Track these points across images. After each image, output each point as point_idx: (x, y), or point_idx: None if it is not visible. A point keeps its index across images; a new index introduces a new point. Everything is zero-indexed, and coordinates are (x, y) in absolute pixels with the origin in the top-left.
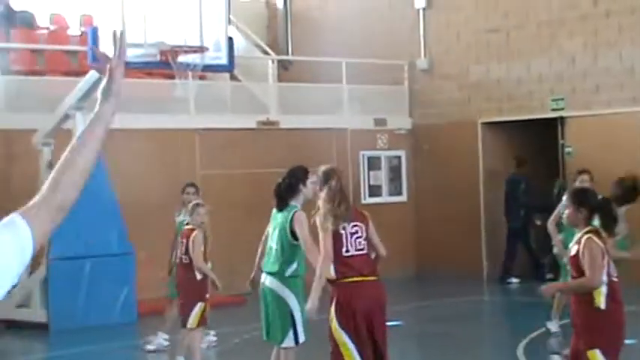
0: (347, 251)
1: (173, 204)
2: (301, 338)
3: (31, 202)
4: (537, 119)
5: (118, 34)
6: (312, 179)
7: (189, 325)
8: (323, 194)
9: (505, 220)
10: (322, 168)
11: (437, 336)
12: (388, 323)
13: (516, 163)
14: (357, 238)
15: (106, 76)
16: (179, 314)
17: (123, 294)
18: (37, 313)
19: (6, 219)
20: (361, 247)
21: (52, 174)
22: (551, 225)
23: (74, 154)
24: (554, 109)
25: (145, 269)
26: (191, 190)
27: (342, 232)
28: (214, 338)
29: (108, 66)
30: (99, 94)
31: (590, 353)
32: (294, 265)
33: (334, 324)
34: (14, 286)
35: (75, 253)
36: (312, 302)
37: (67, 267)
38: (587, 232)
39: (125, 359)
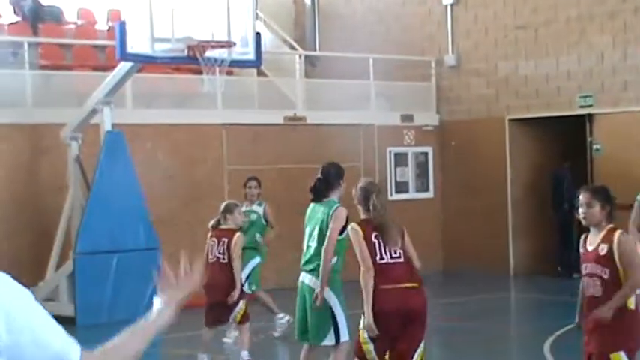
0: (381, 259)
1: (200, 199)
2: (344, 337)
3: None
4: (565, 116)
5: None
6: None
7: (234, 321)
8: (362, 213)
9: (553, 214)
10: (361, 183)
11: (463, 333)
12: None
13: (562, 158)
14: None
15: (173, 287)
16: (211, 312)
17: (149, 289)
18: (63, 307)
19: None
20: (397, 254)
21: (102, 351)
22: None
23: (125, 341)
24: (582, 106)
25: (172, 264)
26: (253, 183)
27: (375, 240)
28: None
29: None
30: (159, 301)
31: (614, 356)
32: (334, 260)
33: (362, 332)
34: None
35: (102, 247)
36: (369, 318)
37: (94, 261)
38: (614, 229)
39: (150, 354)
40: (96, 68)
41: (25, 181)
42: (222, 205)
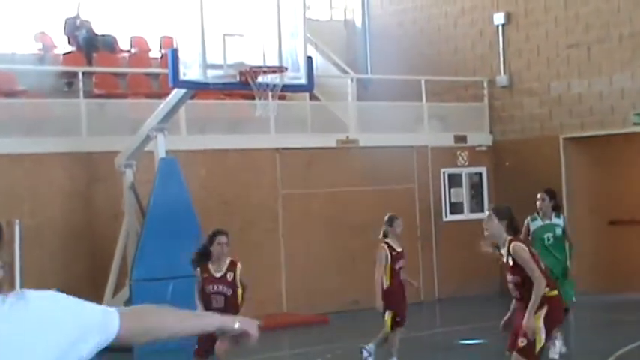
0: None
1: (255, 224)
2: None
3: (131, 310)
4: (620, 134)
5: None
6: None
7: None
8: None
9: None
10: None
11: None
12: (473, 341)
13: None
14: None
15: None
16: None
17: None
18: None
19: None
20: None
21: (139, 311)
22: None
23: (167, 315)
24: (636, 124)
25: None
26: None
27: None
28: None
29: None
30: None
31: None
32: None
33: (542, 335)
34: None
35: (157, 274)
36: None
37: (150, 288)
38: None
39: None
40: (149, 96)
41: (81, 209)
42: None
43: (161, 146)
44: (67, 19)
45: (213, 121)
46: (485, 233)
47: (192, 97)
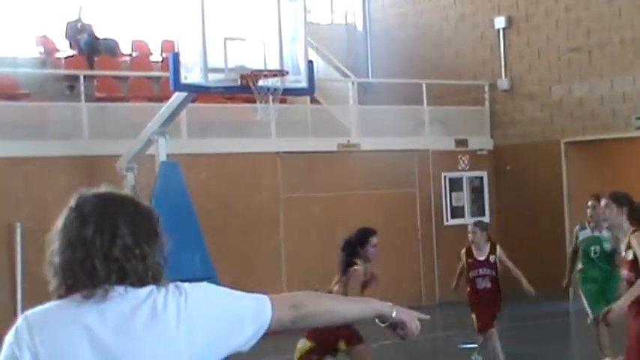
0: None
1: (256, 227)
2: None
3: (282, 296)
4: (622, 138)
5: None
6: None
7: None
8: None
9: None
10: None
11: (523, 357)
12: (474, 345)
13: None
14: None
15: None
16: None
17: None
18: None
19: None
20: None
21: (303, 297)
22: None
23: (338, 304)
24: (638, 128)
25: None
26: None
27: None
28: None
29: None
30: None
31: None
32: None
33: None
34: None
35: None
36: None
37: None
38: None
39: None
40: (150, 99)
41: None
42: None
43: (162, 150)
44: (69, 22)
45: (214, 125)
46: (605, 224)
47: (193, 101)
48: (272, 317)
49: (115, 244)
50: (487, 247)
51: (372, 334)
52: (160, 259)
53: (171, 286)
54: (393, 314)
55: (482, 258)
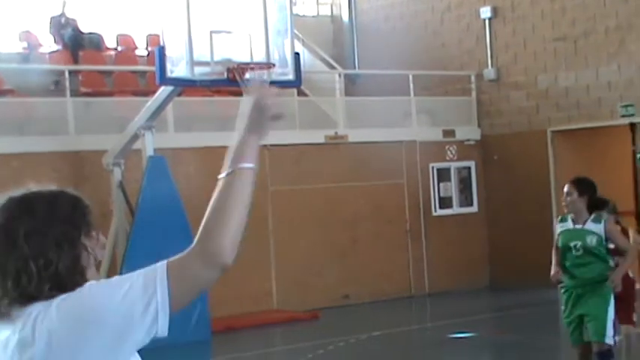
0: None
1: None
2: None
3: (182, 254)
4: (608, 126)
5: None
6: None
7: None
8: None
9: None
10: None
11: (512, 346)
12: (463, 335)
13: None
14: None
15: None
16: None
17: (196, 311)
18: None
19: (154, 266)
20: None
21: (202, 224)
22: None
23: (222, 196)
24: (624, 116)
25: (216, 286)
26: None
27: None
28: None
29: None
30: (245, 122)
31: None
32: None
33: None
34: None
35: None
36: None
37: None
38: None
39: None
40: (136, 94)
41: None
42: None
43: (149, 144)
44: (53, 17)
45: (201, 119)
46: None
47: (179, 95)
48: (168, 289)
49: (11, 256)
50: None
51: (361, 326)
52: (80, 262)
53: (55, 301)
54: (252, 119)
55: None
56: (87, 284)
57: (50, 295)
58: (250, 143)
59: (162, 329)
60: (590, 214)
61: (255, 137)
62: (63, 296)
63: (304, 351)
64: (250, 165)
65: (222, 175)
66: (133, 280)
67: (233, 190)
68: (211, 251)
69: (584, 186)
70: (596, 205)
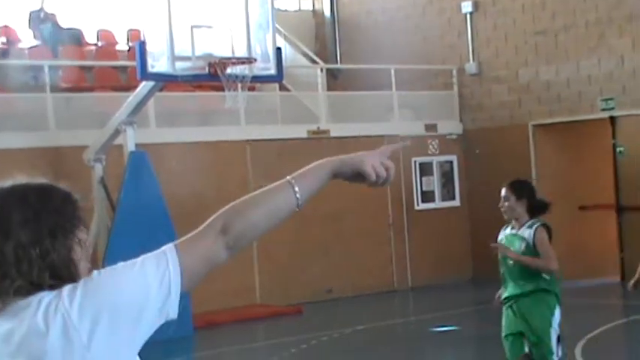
0: None
1: None
2: None
3: (196, 231)
4: (588, 120)
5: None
6: None
7: None
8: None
9: None
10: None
11: (493, 339)
12: (446, 328)
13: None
14: None
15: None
16: None
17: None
18: None
19: (161, 249)
20: None
21: (232, 210)
22: None
23: (268, 195)
24: (604, 109)
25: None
26: None
27: None
28: None
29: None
30: (342, 160)
31: None
32: None
33: None
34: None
35: None
36: None
37: None
38: None
39: None
40: (117, 89)
41: None
42: None
43: (130, 139)
44: (32, 12)
45: (182, 114)
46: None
47: (160, 90)
48: (180, 265)
49: (9, 243)
50: None
51: (344, 320)
52: (73, 254)
53: (65, 289)
54: (345, 168)
55: None
56: (94, 272)
57: (52, 285)
58: (321, 172)
59: (173, 308)
60: (531, 218)
61: (330, 170)
62: (72, 285)
63: (287, 345)
64: (298, 195)
65: (288, 178)
66: (144, 260)
67: (274, 197)
68: (225, 224)
69: (521, 189)
70: (537, 208)
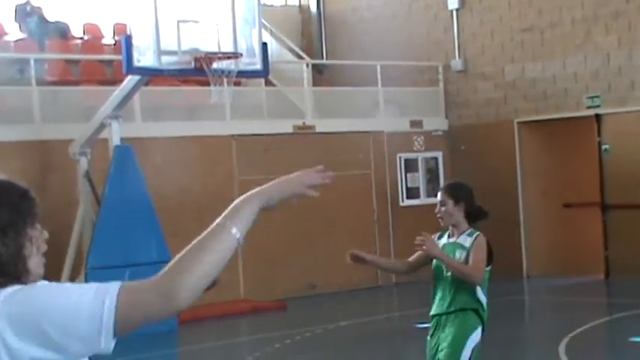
0: None
1: (211, 211)
2: None
3: (141, 280)
4: (574, 117)
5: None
6: None
7: None
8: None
9: None
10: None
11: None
12: (429, 324)
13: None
14: None
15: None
16: None
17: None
18: None
19: (108, 283)
20: None
21: (174, 260)
22: None
23: (203, 243)
24: (590, 107)
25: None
26: None
27: None
28: None
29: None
30: (267, 187)
31: None
32: None
33: None
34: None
35: (113, 262)
36: None
37: (106, 276)
38: None
39: None
40: (103, 83)
41: (35, 198)
42: None
43: (116, 134)
44: (18, 5)
45: (168, 108)
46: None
47: (146, 84)
48: (116, 309)
49: None
50: None
51: (328, 316)
52: (24, 250)
53: (5, 291)
54: (273, 202)
55: None
56: (39, 283)
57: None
58: (252, 208)
59: (107, 346)
60: (470, 225)
61: (258, 205)
62: (15, 289)
63: (271, 341)
64: (238, 236)
65: (217, 221)
66: (86, 289)
67: (215, 243)
68: (171, 289)
69: (459, 193)
70: (475, 215)
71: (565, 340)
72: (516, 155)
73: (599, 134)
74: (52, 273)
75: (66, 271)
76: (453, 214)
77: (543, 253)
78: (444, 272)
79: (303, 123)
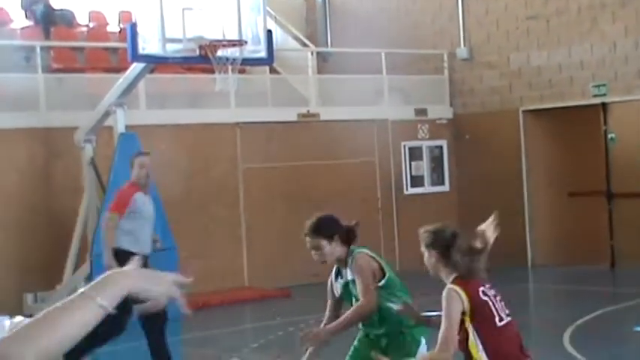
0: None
1: (215, 198)
2: None
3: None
4: (579, 105)
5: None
6: None
7: None
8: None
9: None
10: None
11: None
12: (435, 313)
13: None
14: None
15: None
16: None
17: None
18: None
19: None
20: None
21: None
22: None
23: (60, 313)
24: (595, 95)
25: (188, 263)
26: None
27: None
28: None
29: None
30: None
31: None
32: None
33: None
34: None
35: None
36: None
37: None
38: None
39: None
40: (108, 70)
41: (40, 185)
42: None
43: (120, 121)
44: None
45: (172, 96)
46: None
47: (151, 72)
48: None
49: None
50: None
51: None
52: None
53: None
54: (136, 292)
55: None
56: None
57: None
58: (120, 292)
59: None
60: (348, 250)
61: (126, 291)
62: None
63: (275, 329)
64: (104, 303)
65: (80, 290)
66: None
67: (73, 316)
68: (11, 354)
69: (325, 229)
70: (348, 237)
71: (570, 329)
72: (521, 144)
73: (605, 123)
74: (58, 260)
75: (71, 258)
76: (333, 252)
77: (548, 241)
78: (353, 297)
79: (308, 111)
